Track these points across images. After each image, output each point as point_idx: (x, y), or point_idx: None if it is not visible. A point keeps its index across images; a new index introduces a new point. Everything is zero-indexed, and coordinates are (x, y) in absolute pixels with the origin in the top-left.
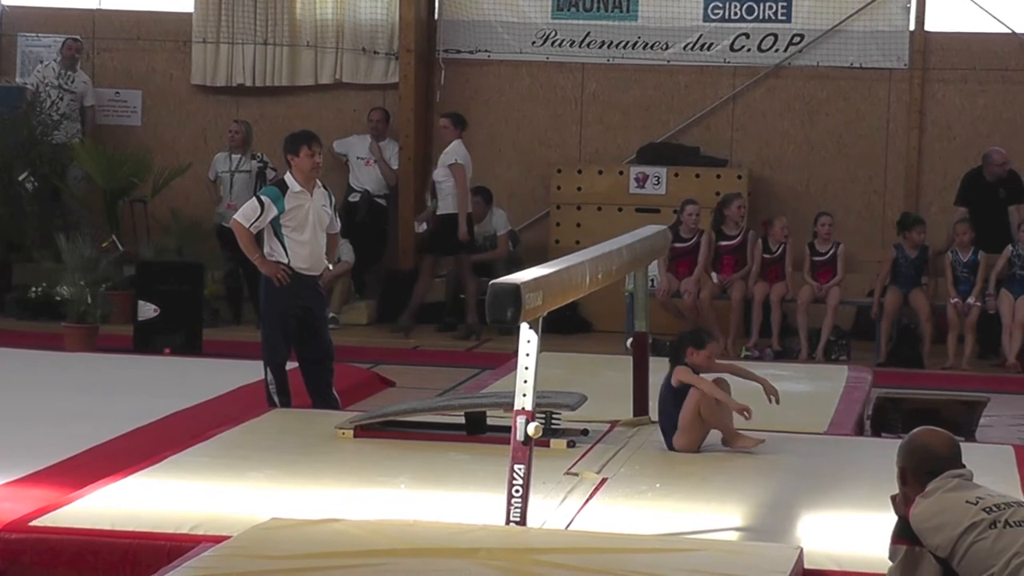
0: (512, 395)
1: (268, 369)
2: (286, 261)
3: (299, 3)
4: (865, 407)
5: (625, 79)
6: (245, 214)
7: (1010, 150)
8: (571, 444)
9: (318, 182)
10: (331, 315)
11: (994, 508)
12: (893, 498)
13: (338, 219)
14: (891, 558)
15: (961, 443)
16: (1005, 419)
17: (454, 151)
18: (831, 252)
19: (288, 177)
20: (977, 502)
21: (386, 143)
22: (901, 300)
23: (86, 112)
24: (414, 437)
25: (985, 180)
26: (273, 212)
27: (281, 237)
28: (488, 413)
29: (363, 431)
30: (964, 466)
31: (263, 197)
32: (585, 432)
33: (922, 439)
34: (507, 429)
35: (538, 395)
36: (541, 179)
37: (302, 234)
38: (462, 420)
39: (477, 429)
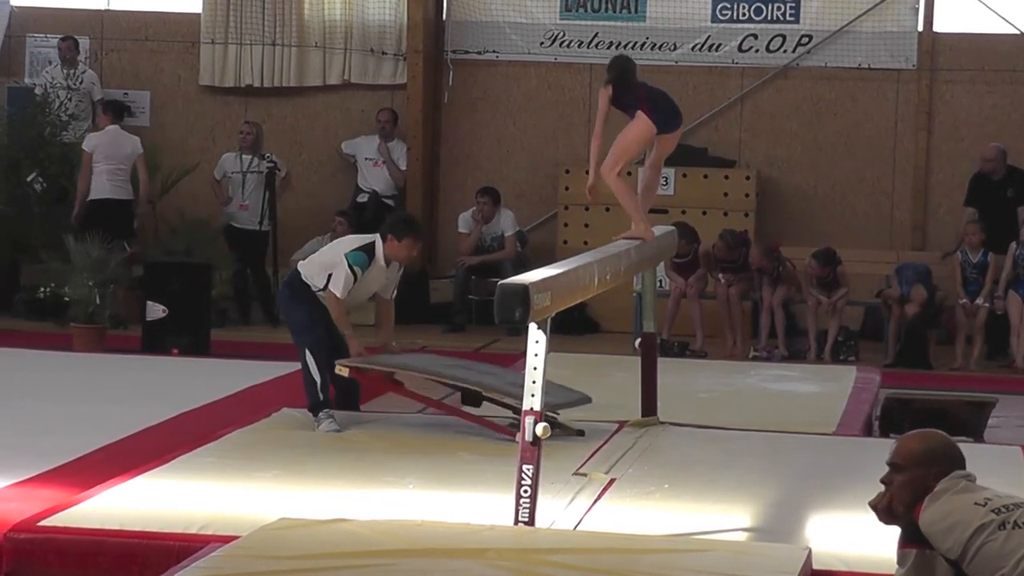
0: (514, 383)
1: (318, 370)
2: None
3: (307, 4)
4: (873, 408)
5: None
6: (344, 286)
7: (1019, 151)
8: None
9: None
10: None
11: (1003, 509)
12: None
13: (394, 289)
14: (899, 563)
15: (969, 444)
16: (1013, 420)
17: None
18: (830, 276)
19: (379, 248)
20: (986, 503)
21: (394, 144)
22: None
23: (96, 107)
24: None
25: (993, 180)
26: (359, 276)
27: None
28: (485, 393)
29: (357, 372)
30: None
31: (355, 267)
32: (581, 433)
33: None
34: (503, 405)
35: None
36: (549, 180)
37: (356, 288)
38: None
39: (473, 402)
